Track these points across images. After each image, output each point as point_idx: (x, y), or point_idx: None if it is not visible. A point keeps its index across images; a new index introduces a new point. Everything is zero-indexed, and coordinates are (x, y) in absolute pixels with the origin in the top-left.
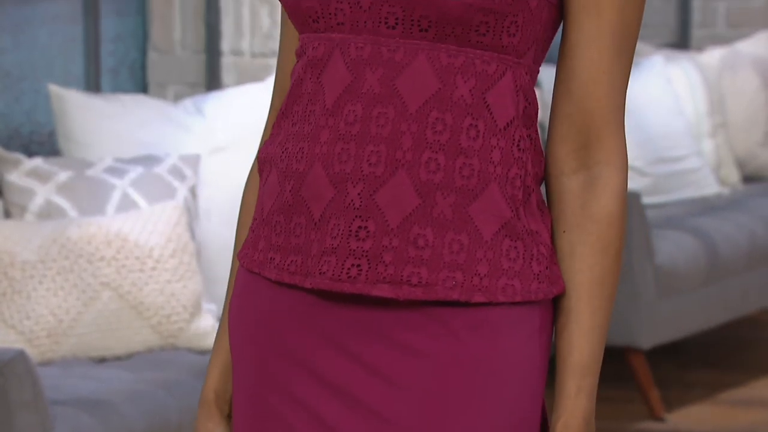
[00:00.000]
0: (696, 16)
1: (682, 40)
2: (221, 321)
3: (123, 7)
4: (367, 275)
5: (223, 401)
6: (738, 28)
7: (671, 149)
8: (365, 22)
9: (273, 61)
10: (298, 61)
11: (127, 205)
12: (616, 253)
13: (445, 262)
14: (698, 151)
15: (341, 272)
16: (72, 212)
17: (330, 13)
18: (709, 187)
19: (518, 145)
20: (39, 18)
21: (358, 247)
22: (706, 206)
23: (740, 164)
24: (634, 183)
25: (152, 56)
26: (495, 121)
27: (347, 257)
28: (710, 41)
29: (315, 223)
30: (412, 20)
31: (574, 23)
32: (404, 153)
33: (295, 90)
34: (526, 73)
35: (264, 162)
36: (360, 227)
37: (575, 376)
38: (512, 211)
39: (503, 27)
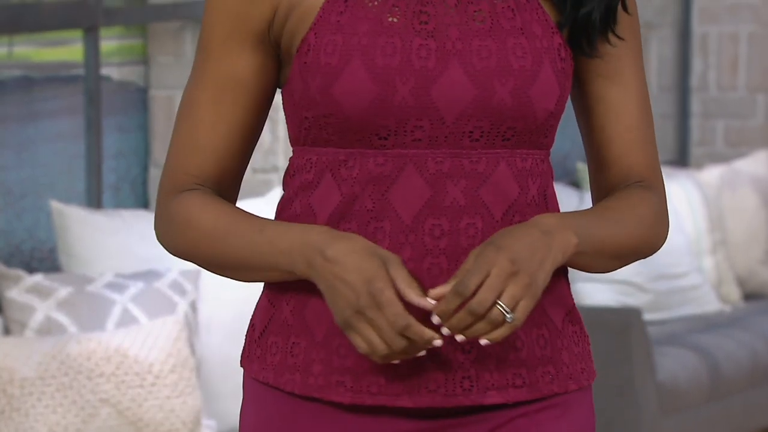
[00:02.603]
0: (695, 135)
1: (681, 158)
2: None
3: (125, 124)
4: (477, 385)
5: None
6: (736, 146)
7: (672, 266)
8: (446, 136)
9: (274, 176)
10: (326, 174)
11: (127, 320)
12: (651, 221)
13: (538, 359)
14: (699, 268)
15: (454, 387)
16: (72, 328)
17: (406, 132)
18: (710, 304)
19: None
20: (42, 135)
21: (465, 359)
22: (708, 323)
23: (741, 282)
24: (634, 299)
25: (153, 172)
26: None
27: (456, 370)
28: (709, 159)
29: None
30: (498, 132)
31: (597, 95)
32: None
33: (343, 209)
34: (550, 163)
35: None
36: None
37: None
38: (571, 296)
39: (556, 126)
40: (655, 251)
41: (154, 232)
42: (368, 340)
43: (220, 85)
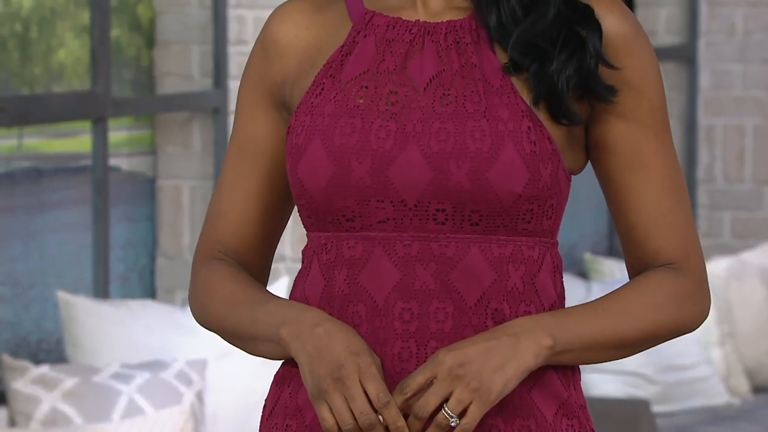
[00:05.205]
0: (702, 226)
1: None
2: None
3: (133, 214)
4: None
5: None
6: (743, 238)
7: (680, 357)
8: (411, 219)
9: (280, 265)
10: (314, 260)
11: (133, 411)
12: (668, 306)
13: None
14: (707, 360)
15: None
16: (77, 419)
17: (369, 213)
18: (718, 396)
19: None
20: (50, 226)
21: None
22: (716, 416)
23: (749, 374)
24: (643, 391)
25: (161, 262)
26: (543, 305)
27: None
28: (716, 251)
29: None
30: (463, 216)
31: (620, 181)
32: None
33: (327, 293)
34: (558, 251)
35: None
36: None
37: (552, 315)
38: (566, 389)
39: (543, 212)
40: (688, 331)
41: (160, 321)
42: (337, 410)
43: (240, 148)
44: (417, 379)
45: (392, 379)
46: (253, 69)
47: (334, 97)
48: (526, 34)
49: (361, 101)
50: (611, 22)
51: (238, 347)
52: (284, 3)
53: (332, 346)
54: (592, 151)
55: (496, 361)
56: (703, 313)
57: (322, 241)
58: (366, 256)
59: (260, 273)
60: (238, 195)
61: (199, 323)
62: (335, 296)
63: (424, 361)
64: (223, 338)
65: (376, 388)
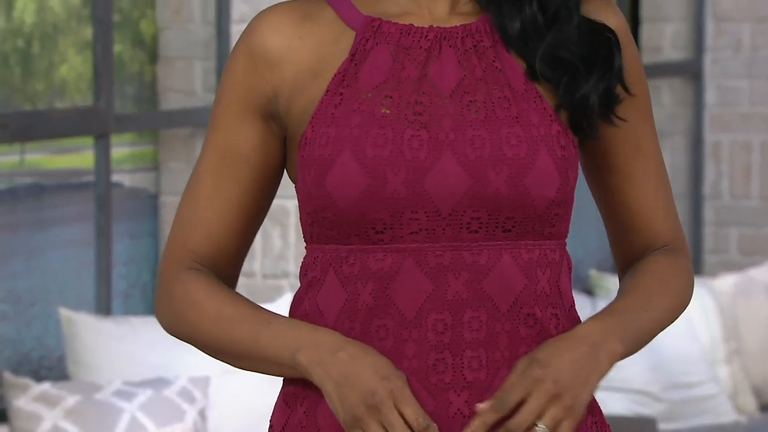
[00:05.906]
0: (708, 243)
1: (694, 266)
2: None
3: (135, 231)
4: None
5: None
6: (750, 255)
7: (686, 375)
8: (444, 229)
9: (284, 282)
10: (330, 273)
11: (135, 429)
12: (684, 291)
13: None
14: (714, 378)
15: None
16: None
17: (402, 224)
18: (725, 414)
19: (576, 324)
20: (52, 242)
21: None
22: None
23: (757, 392)
24: (648, 409)
25: None
26: (565, 307)
27: None
28: (723, 267)
29: None
30: (497, 223)
31: (620, 171)
32: (502, 353)
33: (349, 308)
34: (568, 252)
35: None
36: None
37: (606, 315)
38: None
39: (564, 215)
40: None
41: (162, 338)
42: None
43: (222, 157)
44: (513, 396)
45: (428, 391)
46: (237, 79)
47: (358, 108)
48: (551, 47)
49: (387, 111)
50: (606, 19)
51: (228, 363)
52: (265, 12)
53: (360, 371)
54: (591, 144)
55: (583, 375)
56: (693, 288)
57: (343, 254)
58: (395, 269)
59: (231, 283)
60: (219, 204)
61: (173, 335)
62: (359, 310)
63: (460, 371)
64: (203, 350)
65: (413, 411)
